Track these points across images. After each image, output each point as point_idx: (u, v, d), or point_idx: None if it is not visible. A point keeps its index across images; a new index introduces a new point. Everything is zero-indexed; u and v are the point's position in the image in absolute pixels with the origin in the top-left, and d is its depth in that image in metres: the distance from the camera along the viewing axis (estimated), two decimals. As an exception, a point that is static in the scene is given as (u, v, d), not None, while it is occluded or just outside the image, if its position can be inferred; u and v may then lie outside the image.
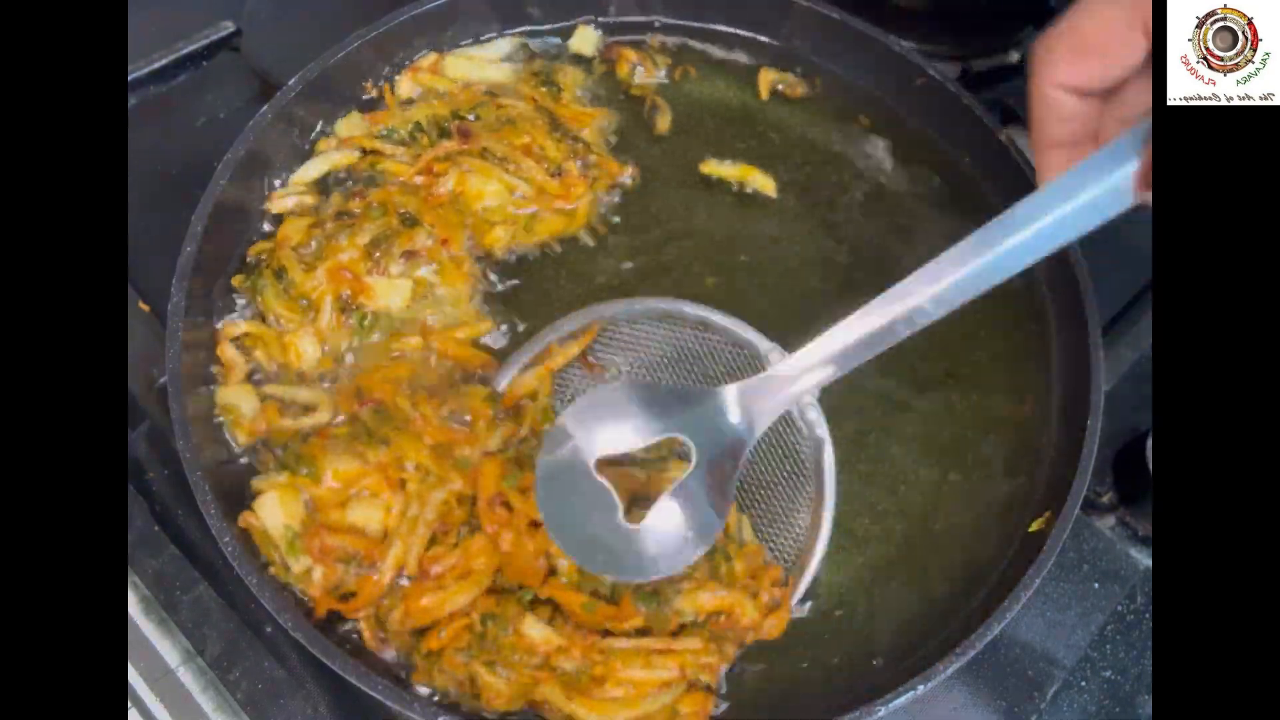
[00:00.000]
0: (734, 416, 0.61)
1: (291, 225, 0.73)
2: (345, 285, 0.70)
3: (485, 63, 0.86)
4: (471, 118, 0.81)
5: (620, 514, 0.57)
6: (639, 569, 0.57)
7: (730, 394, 0.61)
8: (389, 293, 0.71)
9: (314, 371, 0.69)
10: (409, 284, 0.72)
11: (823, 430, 0.67)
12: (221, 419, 0.67)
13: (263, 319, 0.71)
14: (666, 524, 0.57)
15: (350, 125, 0.81)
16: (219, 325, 0.70)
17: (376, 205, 0.74)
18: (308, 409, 0.67)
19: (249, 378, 0.69)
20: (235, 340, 0.69)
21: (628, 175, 0.82)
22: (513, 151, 0.78)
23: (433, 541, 0.62)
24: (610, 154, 0.83)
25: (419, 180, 0.77)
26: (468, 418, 0.66)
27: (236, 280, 0.72)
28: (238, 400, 0.67)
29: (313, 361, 0.69)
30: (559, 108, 0.83)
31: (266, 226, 0.76)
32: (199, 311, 0.69)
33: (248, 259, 0.73)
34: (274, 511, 0.62)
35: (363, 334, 0.70)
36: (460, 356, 0.70)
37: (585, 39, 0.89)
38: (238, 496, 0.64)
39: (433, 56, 0.85)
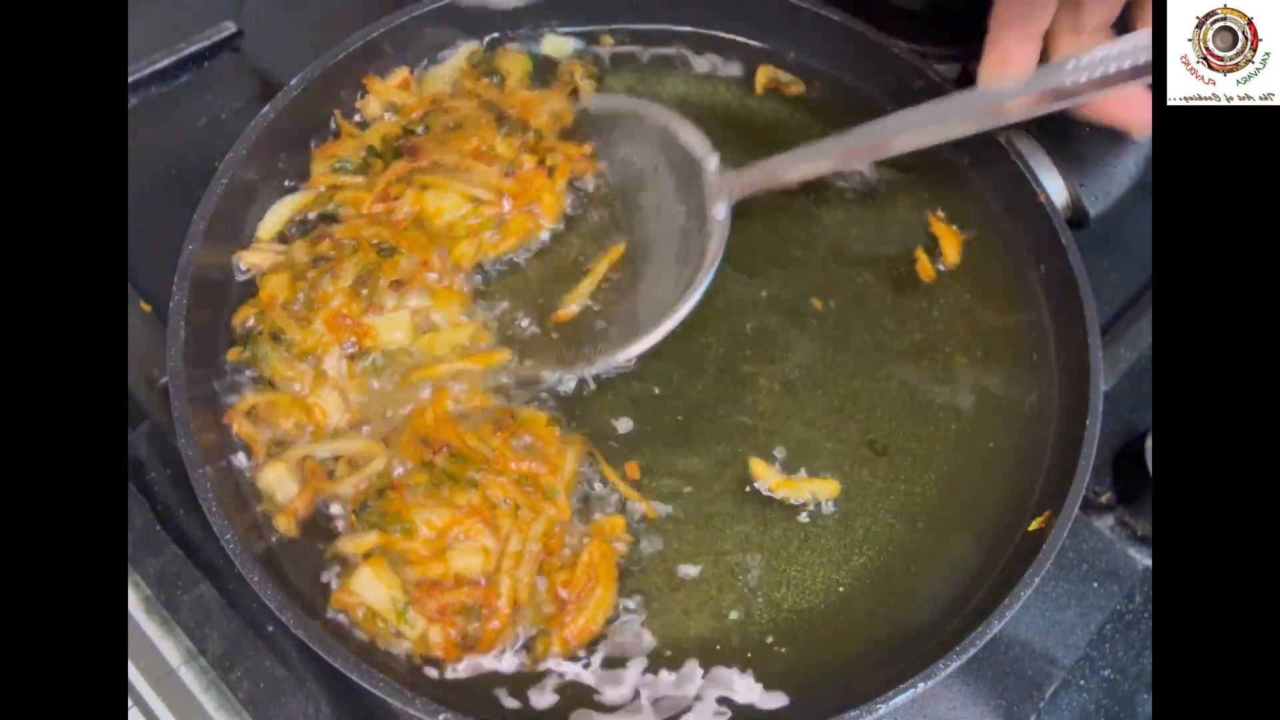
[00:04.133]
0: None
1: (273, 283, 0.70)
2: (346, 332, 0.68)
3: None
4: (420, 130, 0.77)
5: None
6: None
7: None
8: (390, 328, 0.69)
9: (344, 424, 0.67)
10: (407, 314, 0.70)
11: (721, 229, 0.73)
12: (263, 509, 0.64)
13: (271, 385, 0.67)
14: None
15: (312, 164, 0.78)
16: (227, 398, 0.68)
17: (348, 242, 0.71)
18: (358, 460, 0.65)
19: (275, 449, 0.66)
20: (248, 414, 0.66)
21: (587, 154, 0.79)
22: (462, 159, 0.74)
23: None
24: (563, 138, 0.80)
25: (379, 208, 0.74)
26: (532, 441, 0.66)
27: (232, 354, 0.68)
28: (275, 483, 0.64)
29: (339, 415, 0.67)
30: (504, 98, 0.80)
31: (242, 283, 0.72)
32: (201, 379, 0.67)
33: (235, 329, 0.70)
34: (373, 586, 0.60)
35: (378, 375, 0.68)
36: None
37: (555, 44, 0.87)
38: (240, 496, 0.64)
39: (403, 73, 0.83)
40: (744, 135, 0.86)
